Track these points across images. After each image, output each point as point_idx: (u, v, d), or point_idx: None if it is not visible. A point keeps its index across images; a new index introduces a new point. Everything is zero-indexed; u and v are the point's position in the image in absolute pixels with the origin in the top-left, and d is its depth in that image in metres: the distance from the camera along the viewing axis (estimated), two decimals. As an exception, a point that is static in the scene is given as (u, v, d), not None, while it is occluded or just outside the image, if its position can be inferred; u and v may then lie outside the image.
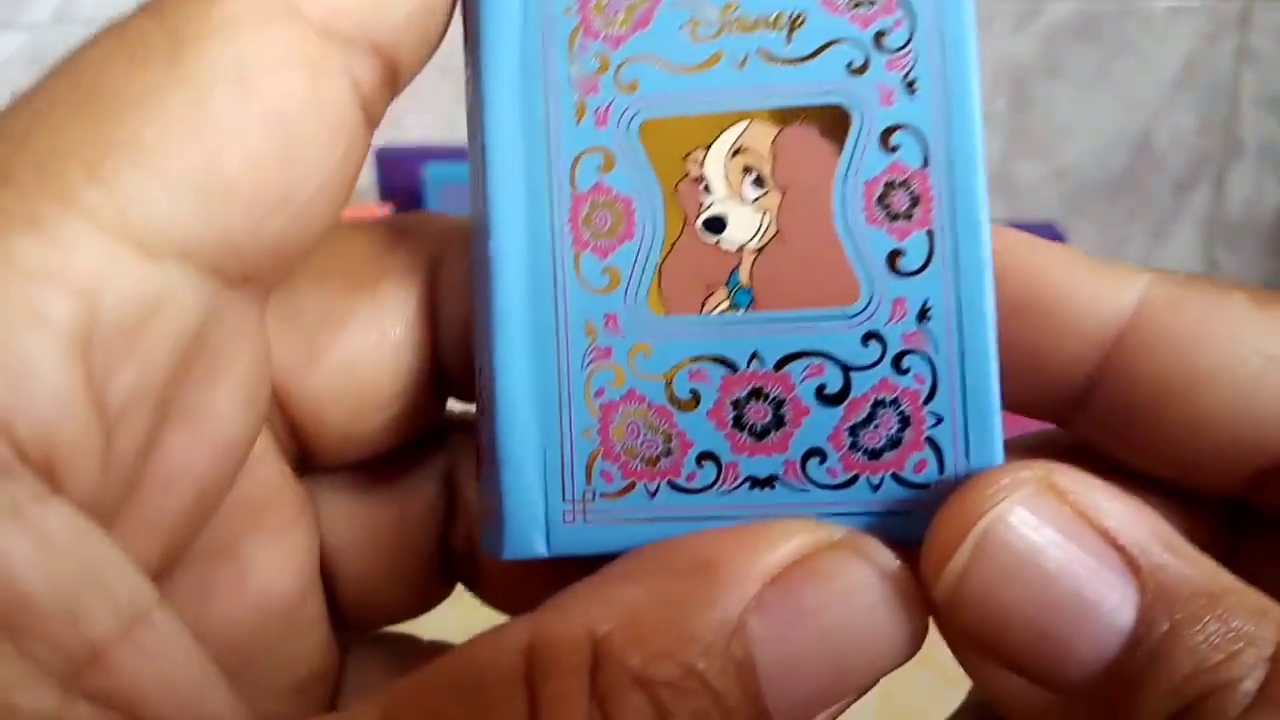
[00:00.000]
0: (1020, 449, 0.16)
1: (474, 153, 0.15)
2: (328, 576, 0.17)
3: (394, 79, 0.14)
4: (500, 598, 0.17)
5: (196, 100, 0.12)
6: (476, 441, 0.15)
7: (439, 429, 0.17)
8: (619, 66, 0.15)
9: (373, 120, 0.14)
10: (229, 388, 0.14)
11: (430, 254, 0.16)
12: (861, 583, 0.13)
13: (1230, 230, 0.77)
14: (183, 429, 0.13)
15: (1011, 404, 0.15)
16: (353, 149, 0.14)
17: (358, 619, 0.17)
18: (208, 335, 0.13)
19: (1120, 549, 0.13)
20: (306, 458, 0.16)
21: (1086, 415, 0.15)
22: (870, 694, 0.13)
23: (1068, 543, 0.13)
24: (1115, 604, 0.12)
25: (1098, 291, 0.15)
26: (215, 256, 0.13)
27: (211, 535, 0.15)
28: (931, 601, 0.13)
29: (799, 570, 0.13)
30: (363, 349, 0.15)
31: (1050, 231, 0.56)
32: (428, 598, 0.18)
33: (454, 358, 0.16)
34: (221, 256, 0.13)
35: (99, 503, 0.12)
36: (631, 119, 0.15)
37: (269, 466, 0.15)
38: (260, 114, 0.13)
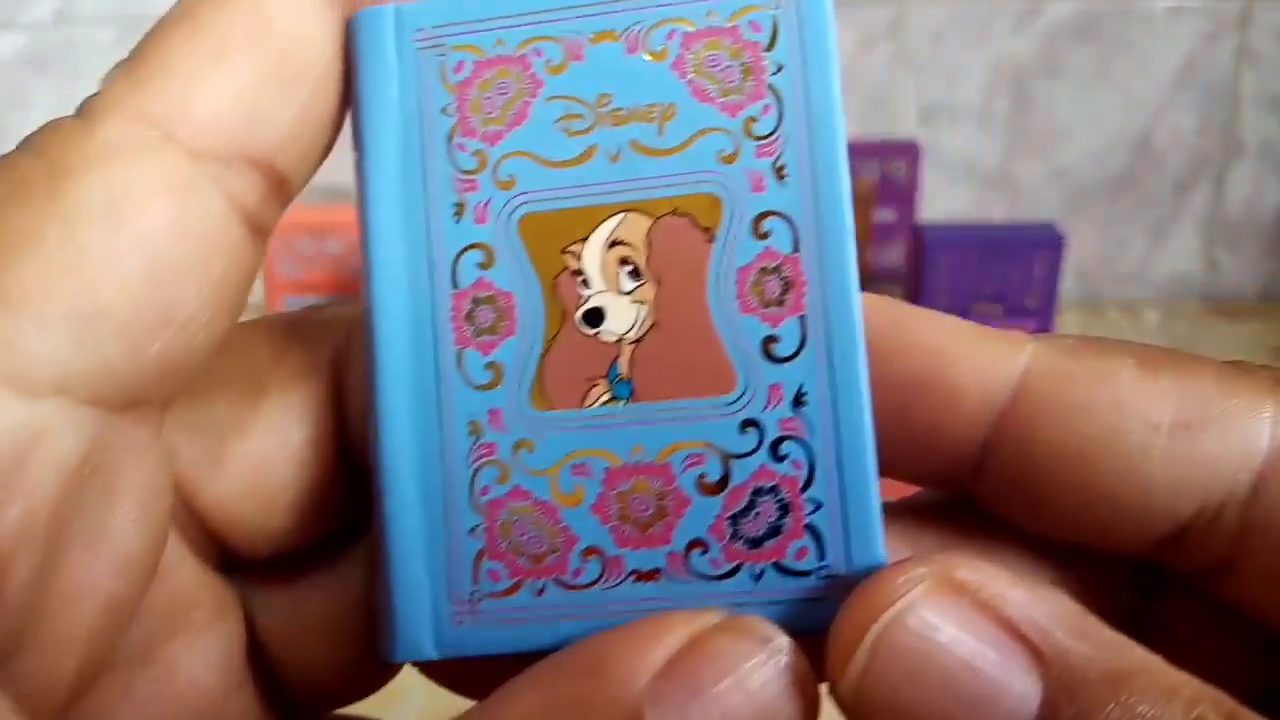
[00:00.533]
0: (917, 508, 0.16)
1: (361, 253, 0.15)
2: (269, 664, 0.17)
3: (282, 188, 0.14)
4: (440, 676, 0.17)
5: (70, 235, 0.13)
6: (371, 540, 0.15)
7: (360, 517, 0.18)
8: (497, 163, 0.15)
9: (262, 230, 0.14)
10: (127, 506, 0.14)
11: (334, 348, 0.16)
12: (749, 660, 0.13)
13: (1230, 230, 0.77)
14: (81, 552, 0.13)
15: (908, 476, 0.16)
16: (234, 264, 0.14)
17: (304, 705, 0.17)
18: (97, 460, 0.13)
19: (1022, 638, 0.13)
20: (227, 556, 0.16)
21: (982, 484, 0.15)
22: None
23: (967, 637, 0.13)
24: (1019, 695, 0.12)
25: (985, 362, 0.15)
26: (95, 387, 0.13)
27: (131, 642, 0.15)
28: (837, 700, 0.13)
29: (687, 657, 0.13)
30: (266, 453, 0.16)
31: (1050, 231, 0.56)
32: (370, 680, 0.18)
33: (364, 448, 0.16)
34: (102, 386, 0.13)
35: None
36: (510, 215, 0.15)
37: (183, 569, 0.16)
38: (131, 242, 0.13)
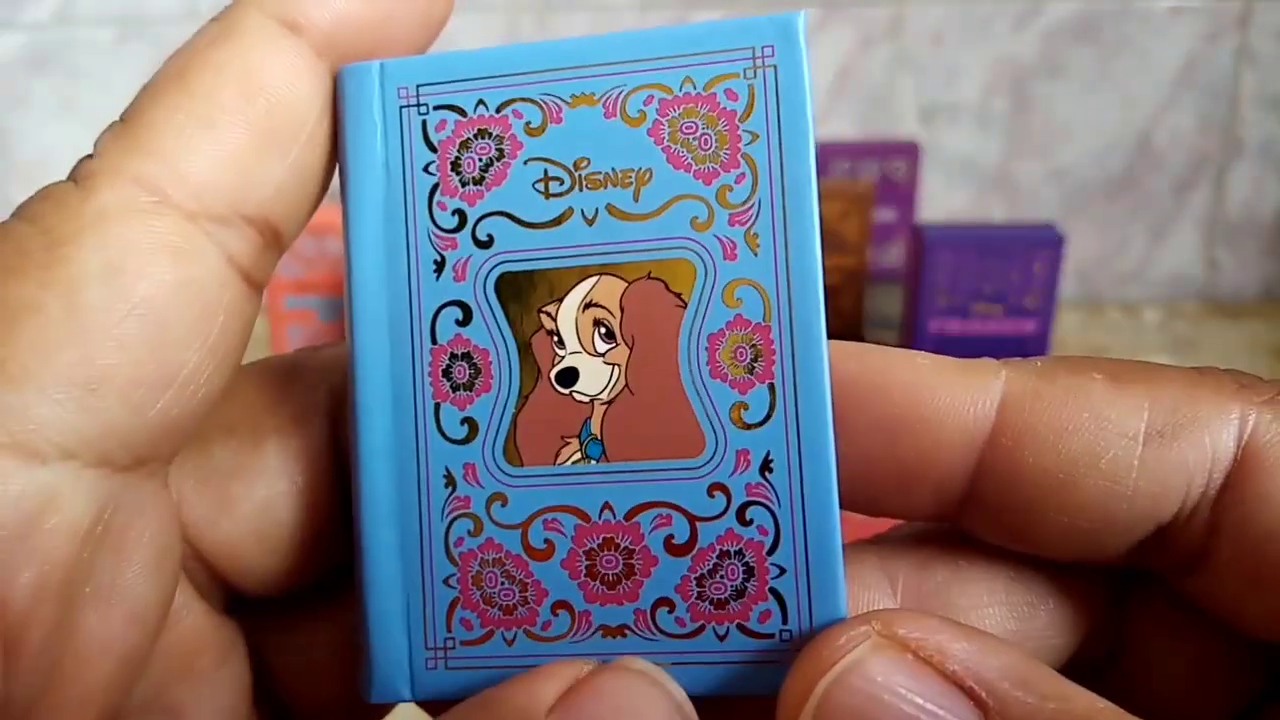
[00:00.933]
0: (907, 539, 0.17)
1: (346, 302, 0.16)
2: (276, 703, 0.17)
3: (277, 240, 0.15)
4: (431, 708, 0.18)
5: (70, 304, 0.13)
6: (354, 583, 0.16)
7: None
8: (476, 222, 0.15)
9: (257, 283, 0.15)
10: (139, 561, 0.14)
11: (330, 392, 0.17)
12: (638, 696, 0.14)
13: (1230, 230, 0.77)
14: (96, 609, 0.14)
15: (896, 513, 0.16)
16: (232, 319, 0.14)
17: None
18: (109, 520, 0.14)
19: (967, 690, 0.13)
20: (234, 596, 0.17)
21: (969, 512, 0.16)
22: None
23: (912, 692, 0.13)
24: None
25: (961, 395, 0.15)
26: (101, 450, 0.13)
27: (141, 688, 0.15)
28: None
29: (579, 691, 0.14)
30: (270, 496, 0.16)
31: (1050, 231, 0.56)
32: (375, 714, 0.18)
33: None
34: (108, 448, 0.13)
35: (13, 700, 0.13)
36: (488, 274, 0.15)
37: (191, 614, 0.16)
38: (130, 307, 0.13)
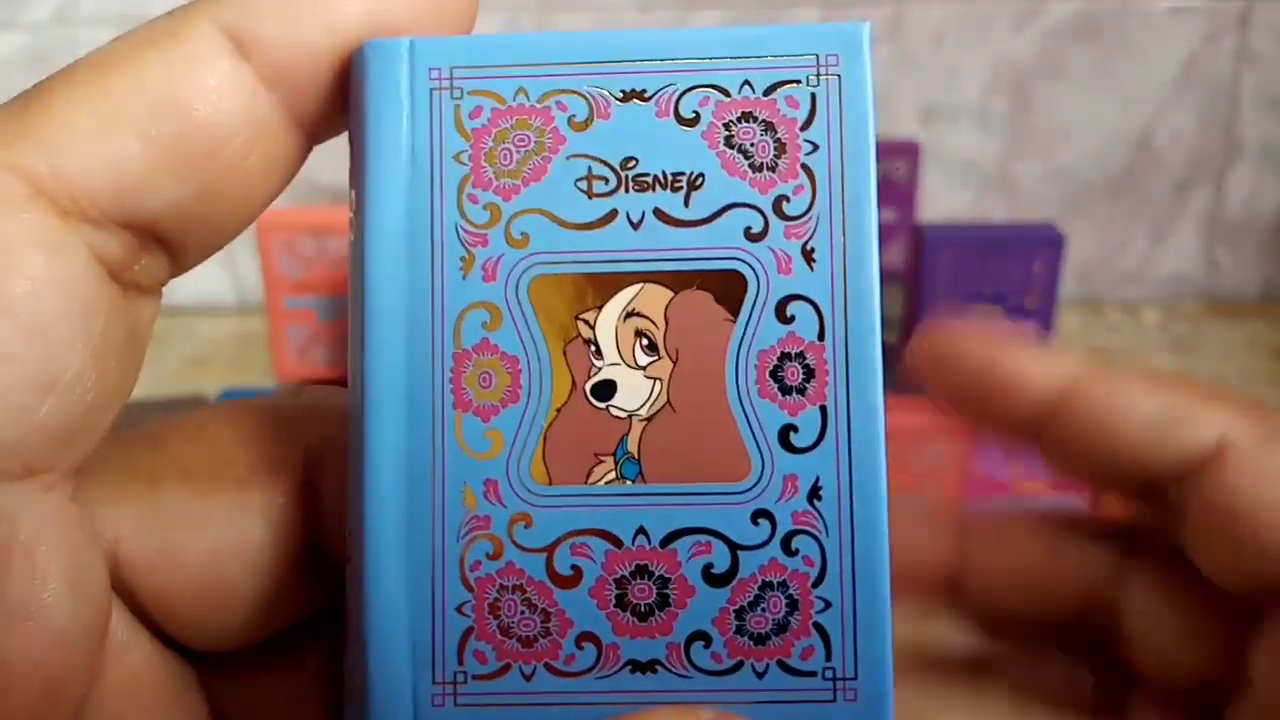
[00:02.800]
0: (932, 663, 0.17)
1: (354, 299, 0.14)
2: None
3: (169, 250, 0.14)
4: None
5: None
6: (344, 616, 0.15)
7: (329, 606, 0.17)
8: (510, 219, 0.14)
9: (144, 288, 0.14)
10: (56, 579, 0.13)
11: (312, 442, 0.16)
12: None
13: (1230, 230, 0.77)
14: (13, 630, 0.13)
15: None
16: (114, 323, 0.13)
17: None
18: (10, 535, 0.13)
19: None
20: (182, 648, 0.16)
21: (1184, 527, 0.16)
22: None
23: None
24: None
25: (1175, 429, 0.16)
26: None
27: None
28: None
29: None
30: (218, 550, 0.15)
31: (1050, 231, 0.56)
32: None
33: (339, 546, 0.16)
34: None
35: None
36: (521, 275, 0.14)
37: (139, 647, 0.15)
38: (4, 303, 0.12)
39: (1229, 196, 0.76)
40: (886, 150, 0.69)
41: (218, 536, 0.15)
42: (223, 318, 0.77)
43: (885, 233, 0.70)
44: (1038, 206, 0.76)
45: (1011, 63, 0.73)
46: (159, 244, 0.14)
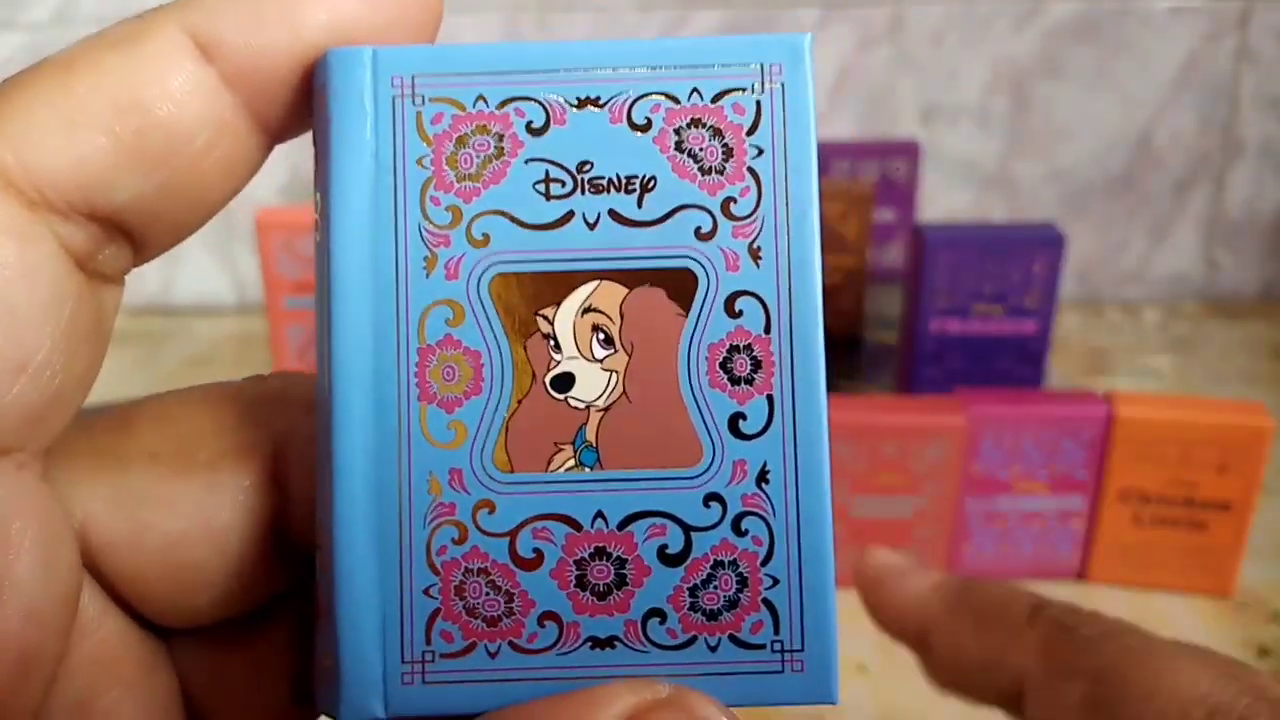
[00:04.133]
0: None
1: (320, 296, 0.15)
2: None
3: (132, 241, 0.14)
4: None
5: None
6: (315, 596, 0.15)
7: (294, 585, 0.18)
8: (471, 220, 0.15)
9: (108, 277, 0.14)
10: (28, 555, 0.14)
11: (282, 427, 0.16)
12: None
13: (1230, 230, 0.77)
14: None
15: None
16: (81, 309, 0.14)
17: None
18: None
19: None
20: (150, 623, 0.16)
21: None
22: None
23: None
24: None
25: None
26: None
27: (64, 698, 0.15)
28: None
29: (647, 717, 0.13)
30: (186, 531, 0.15)
31: (1050, 231, 0.56)
32: None
33: (306, 530, 0.16)
34: None
35: None
36: (483, 273, 0.15)
37: (109, 623, 0.15)
38: None
39: (1229, 196, 0.76)
40: (886, 150, 0.69)
41: (186, 519, 0.15)
42: (223, 318, 0.77)
43: (885, 233, 0.70)
44: (1038, 206, 0.76)
45: (1011, 63, 0.73)
46: (122, 235, 0.14)
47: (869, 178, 0.68)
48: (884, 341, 0.64)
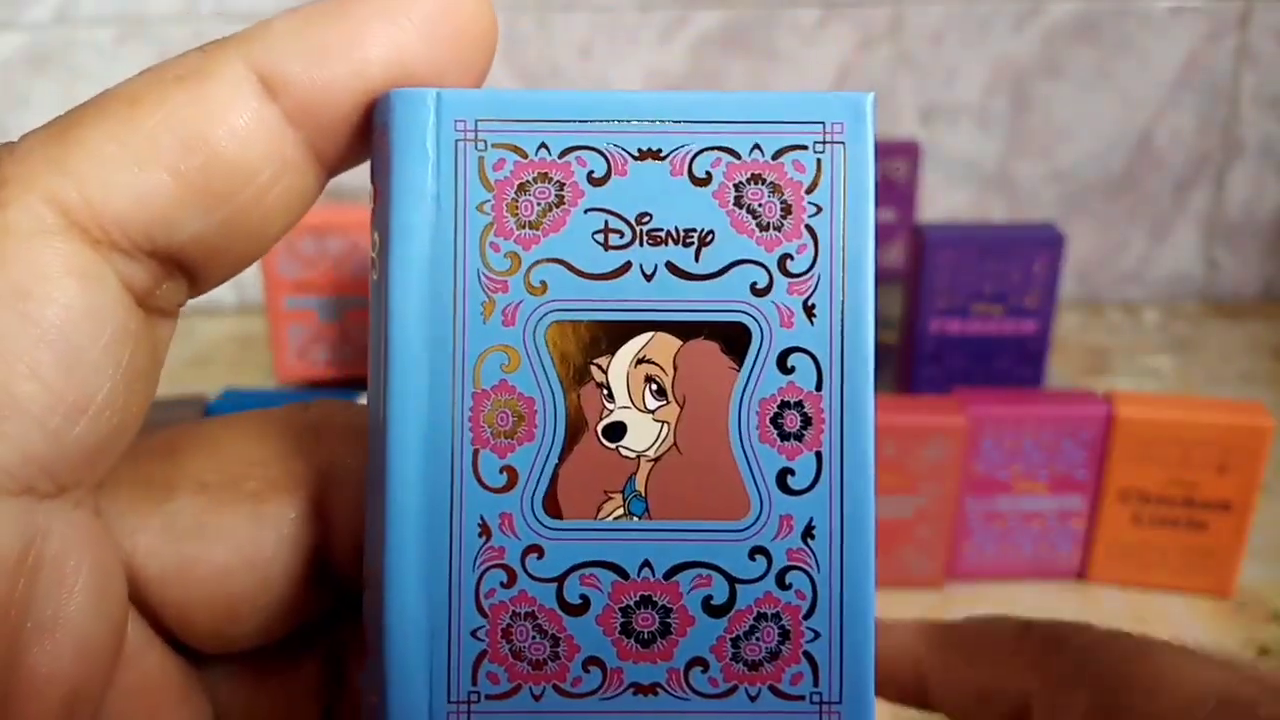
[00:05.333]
0: None
1: (376, 336, 0.15)
2: None
3: (188, 276, 0.14)
4: None
5: None
6: (363, 631, 0.15)
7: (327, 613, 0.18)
8: (530, 267, 0.15)
9: (165, 311, 0.14)
10: (81, 592, 0.14)
11: (325, 458, 0.16)
12: None
13: (1230, 230, 0.77)
14: (41, 641, 0.13)
15: None
16: (140, 348, 0.14)
17: None
18: (40, 549, 0.13)
19: None
20: (186, 649, 0.16)
21: None
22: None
23: None
24: None
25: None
26: (21, 478, 0.13)
27: None
28: None
29: None
30: (231, 563, 0.16)
31: (1050, 231, 0.56)
32: None
33: (347, 559, 0.16)
34: (29, 476, 0.13)
35: None
36: (539, 320, 0.15)
37: (151, 654, 0.16)
38: (40, 330, 0.13)
39: (1229, 196, 0.76)
40: (886, 150, 0.69)
41: (233, 550, 0.16)
42: (223, 318, 0.77)
43: (885, 233, 0.70)
44: (1038, 206, 0.76)
45: (1011, 63, 0.73)
46: (181, 271, 0.14)
47: (869, 178, 0.68)
48: (884, 341, 0.65)
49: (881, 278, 0.72)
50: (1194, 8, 0.72)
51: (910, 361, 0.57)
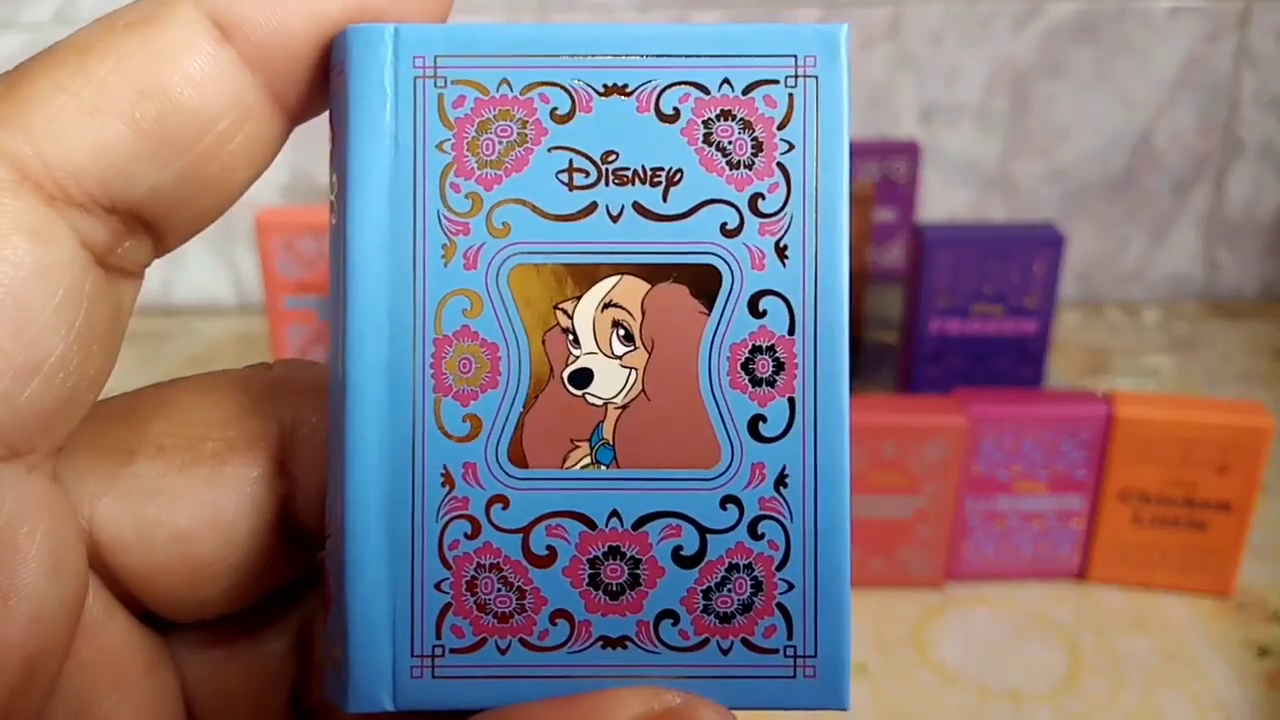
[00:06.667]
0: None
1: (335, 282, 0.15)
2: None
3: (151, 233, 0.14)
4: None
5: None
6: (325, 587, 0.15)
7: (295, 580, 0.17)
8: (492, 208, 0.14)
9: (126, 271, 0.14)
10: (36, 559, 0.13)
11: (288, 415, 0.16)
12: None
13: (1230, 230, 0.77)
14: None
15: None
16: (97, 308, 0.13)
17: None
18: None
19: None
20: (151, 617, 0.16)
21: None
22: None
23: None
24: None
25: None
26: None
27: (65, 699, 0.15)
28: None
29: None
30: (194, 525, 0.15)
31: (1050, 231, 0.56)
32: None
33: (313, 518, 0.16)
34: None
35: None
36: (502, 264, 0.14)
37: (114, 624, 0.15)
38: None
39: (1229, 196, 0.76)
40: (886, 150, 0.69)
41: (194, 512, 0.15)
42: (223, 318, 0.77)
43: (885, 233, 0.70)
44: (1038, 206, 0.76)
45: (1011, 63, 0.73)
46: (143, 227, 0.14)
47: (869, 177, 0.68)
48: (884, 341, 0.64)
49: (882, 278, 0.72)
50: (1194, 8, 0.72)
51: (910, 361, 0.57)
